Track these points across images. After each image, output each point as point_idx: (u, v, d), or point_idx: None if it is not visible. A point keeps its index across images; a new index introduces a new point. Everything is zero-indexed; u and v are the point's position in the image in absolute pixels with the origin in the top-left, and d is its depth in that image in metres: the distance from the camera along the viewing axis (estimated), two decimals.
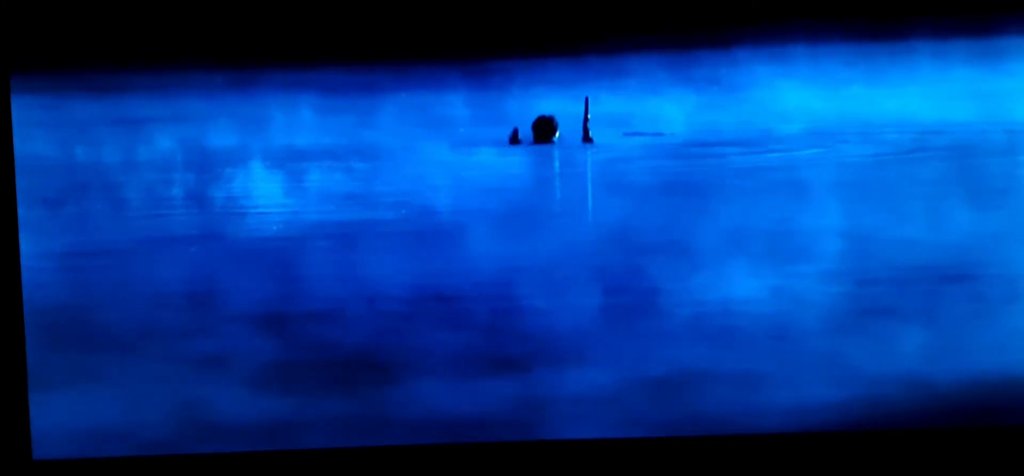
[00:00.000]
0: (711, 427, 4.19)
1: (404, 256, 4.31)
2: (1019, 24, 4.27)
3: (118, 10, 4.25)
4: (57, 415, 4.24)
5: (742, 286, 4.25)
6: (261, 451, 4.23)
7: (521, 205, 4.37)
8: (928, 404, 4.20)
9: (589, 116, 4.39)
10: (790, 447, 4.19)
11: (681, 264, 4.28)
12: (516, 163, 4.41)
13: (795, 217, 4.30)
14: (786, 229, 4.30)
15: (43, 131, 4.25)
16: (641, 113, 4.41)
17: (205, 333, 4.26)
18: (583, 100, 4.39)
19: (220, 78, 4.30)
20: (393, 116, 4.37)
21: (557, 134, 4.43)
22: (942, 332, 4.23)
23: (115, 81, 4.27)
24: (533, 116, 4.41)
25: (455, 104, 4.36)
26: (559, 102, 4.40)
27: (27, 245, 4.23)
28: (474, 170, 4.37)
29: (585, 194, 4.39)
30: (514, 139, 4.38)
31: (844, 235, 4.28)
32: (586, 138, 4.39)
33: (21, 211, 4.22)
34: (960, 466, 4.15)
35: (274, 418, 4.24)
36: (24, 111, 4.22)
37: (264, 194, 4.33)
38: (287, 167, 4.34)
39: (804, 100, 4.34)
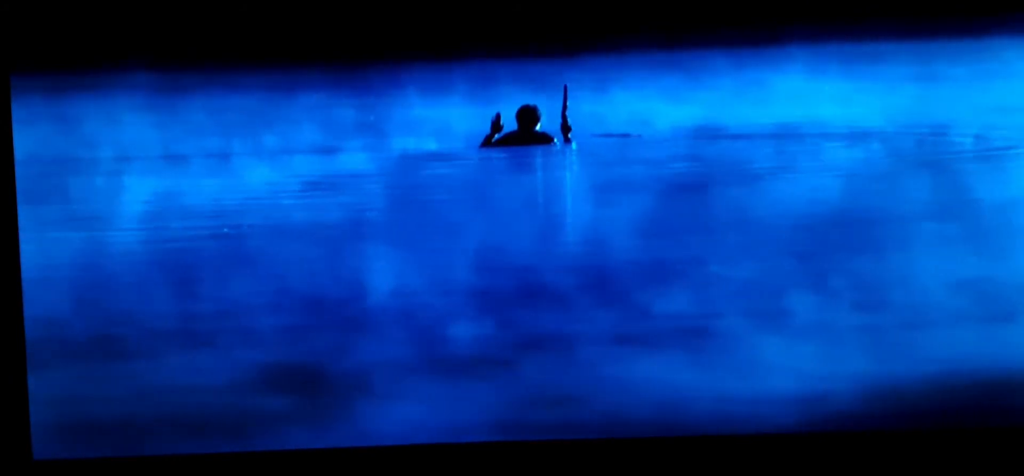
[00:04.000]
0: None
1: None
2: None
3: (118, 11, 4.26)
4: (57, 415, 4.24)
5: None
6: (261, 451, 4.23)
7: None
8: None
9: (568, 105, 4.36)
10: (789, 447, 4.19)
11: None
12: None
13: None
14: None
15: (43, 131, 4.26)
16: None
17: (205, 331, 4.26)
18: (562, 89, 4.37)
19: (220, 78, 4.31)
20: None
21: (539, 123, 4.43)
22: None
23: (115, 81, 4.28)
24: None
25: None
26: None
27: (27, 245, 4.23)
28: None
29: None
30: (496, 126, 4.37)
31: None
32: (565, 128, 4.36)
33: (21, 210, 4.23)
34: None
35: (273, 417, 4.24)
36: (24, 111, 4.23)
37: (265, 192, 4.34)
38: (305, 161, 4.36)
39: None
